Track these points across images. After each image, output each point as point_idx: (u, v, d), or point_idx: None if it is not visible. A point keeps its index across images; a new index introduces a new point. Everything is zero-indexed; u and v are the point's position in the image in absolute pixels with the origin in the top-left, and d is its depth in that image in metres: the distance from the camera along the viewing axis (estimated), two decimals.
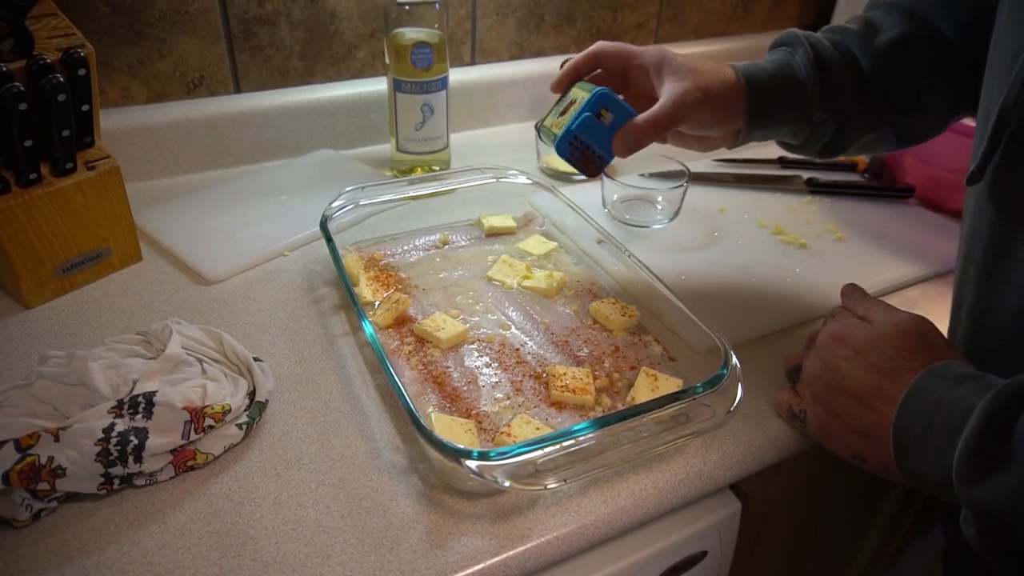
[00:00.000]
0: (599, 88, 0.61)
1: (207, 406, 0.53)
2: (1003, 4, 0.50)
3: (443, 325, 0.64)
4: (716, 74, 0.61)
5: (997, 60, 0.50)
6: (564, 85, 0.66)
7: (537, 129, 0.68)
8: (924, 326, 0.51)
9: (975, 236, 0.52)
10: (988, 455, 0.41)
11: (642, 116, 0.60)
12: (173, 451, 0.52)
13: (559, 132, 0.63)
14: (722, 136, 0.65)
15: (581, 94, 0.63)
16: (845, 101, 0.63)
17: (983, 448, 0.41)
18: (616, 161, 0.88)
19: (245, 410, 0.56)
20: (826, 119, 0.63)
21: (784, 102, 0.62)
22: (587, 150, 0.62)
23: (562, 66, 0.68)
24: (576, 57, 0.66)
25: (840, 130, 0.64)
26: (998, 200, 0.49)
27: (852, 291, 0.60)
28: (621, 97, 0.62)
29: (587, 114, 0.61)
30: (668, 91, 0.60)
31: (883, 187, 0.96)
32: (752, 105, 0.61)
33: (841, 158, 1.01)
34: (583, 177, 0.95)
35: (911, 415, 0.46)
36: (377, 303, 0.68)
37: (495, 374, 0.62)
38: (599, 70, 0.66)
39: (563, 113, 0.64)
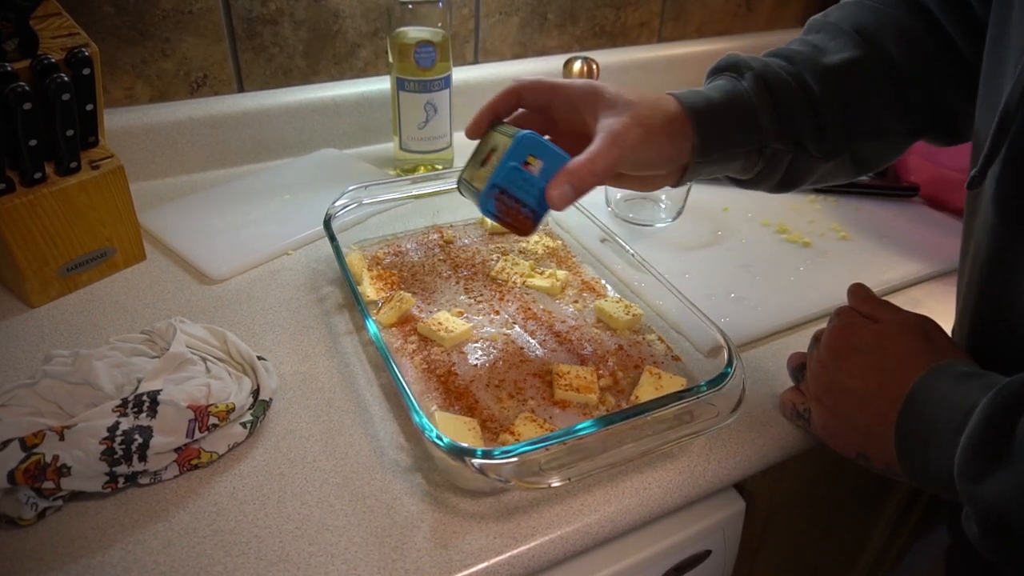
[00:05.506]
0: (523, 132, 0.52)
1: (211, 405, 0.53)
2: (1014, 4, 0.49)
3: (447, 324, 0.64)
4: (657, 107, 0.53)
5: (1000, 60, 0.49)
6: (482, 129, 0.57)
7: (459, 184, 0.58)
8: (928, 325, 0.51)
9: (976, 241, 0.51)
10: (990, 453, 0.41)
11: (578, 159, 0.50)
12: (177, 450, 0.52)
13: (482, 187, 0.53)
14: (667, 174, 0.57)
15: (503, 139, 0.54)
16: (800, 128, 0.57)
17: (985, 446, 0.41)
18: None
19: (249, 409, 0.56)
20: (780, 149, 0.57)
21: (734, 133, 0.55)
22: (517, 204, 0.52)
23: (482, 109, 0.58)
24: (493, 97, 0.57)
25: (796, 160, 0.59)
26: (999, 205, 0.48)
27: (859, 291, 0.60)
28: (547, 138, 0.53)
29: (512, 164, 0.52)
30: (605, 128, 0.51)
31: (887, 186, 0.95)
32: (700, 139, 0.54)
33: None
34: None
35: (914, 414, 0.46)
36: (380, 302, 0.68)
37: (499, 373, 0.62)
38: (521, 110, 0.58)
39: (484, 163, 0.55)
